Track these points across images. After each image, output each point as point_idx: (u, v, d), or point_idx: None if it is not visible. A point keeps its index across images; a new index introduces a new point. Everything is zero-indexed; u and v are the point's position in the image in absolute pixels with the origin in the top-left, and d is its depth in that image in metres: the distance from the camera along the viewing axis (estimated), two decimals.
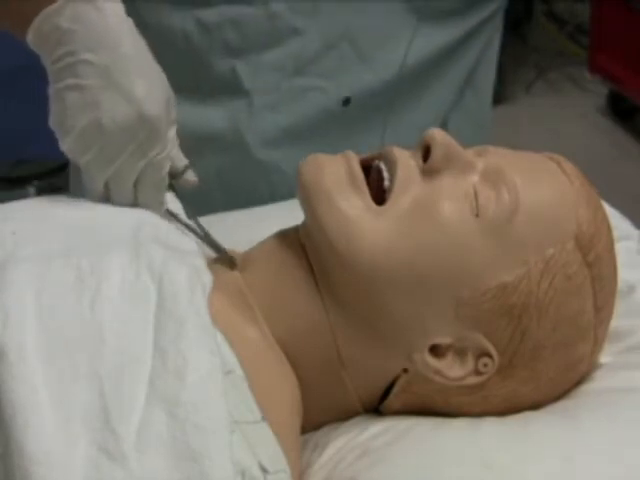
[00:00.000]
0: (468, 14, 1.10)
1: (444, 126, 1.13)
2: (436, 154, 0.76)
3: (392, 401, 0.78)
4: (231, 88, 1.05)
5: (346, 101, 1.05)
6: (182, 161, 0.82)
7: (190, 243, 0.79)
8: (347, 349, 0.76)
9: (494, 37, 1.18)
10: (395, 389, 0.77)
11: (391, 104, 1.08)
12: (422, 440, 0.75)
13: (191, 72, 1.05)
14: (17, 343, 0.65)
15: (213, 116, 1.06)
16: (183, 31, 1.04)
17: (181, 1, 1.02)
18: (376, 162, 0.79)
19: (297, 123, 1.06)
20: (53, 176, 2.37)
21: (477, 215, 0.75)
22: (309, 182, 0.76)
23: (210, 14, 1.02)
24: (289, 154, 1.06)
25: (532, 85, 2.94)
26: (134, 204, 0.79)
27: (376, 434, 0.76)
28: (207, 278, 0.74)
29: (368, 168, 0.79)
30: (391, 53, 1.06)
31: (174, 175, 0.82)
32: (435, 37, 1.08)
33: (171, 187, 0.82)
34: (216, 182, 1.05)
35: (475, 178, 0.77)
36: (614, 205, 0.95)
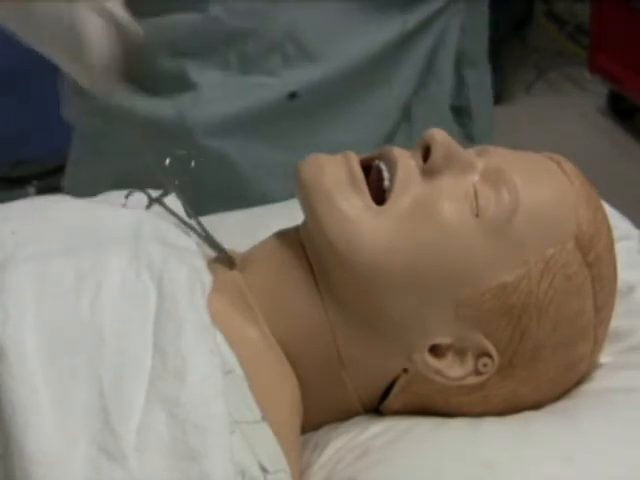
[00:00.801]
0: (420, 4, 1.10)
1: (407, 115, 1.14)
2: (436, 154, 0.76)
3: (392, 401, 0.78)
4: (179, 82, 1.08)
5: (292, 95, 1.06)
6: None
7: (190, 242, 0.79)
8: (347, 349, 0.76)
9: (451, 24, 1.17)
10: (395, 389, 0.77)
11: (346, 96, 1.09)
12: (422, 440, 0.75)
13: (139, 67, 1.09)
14: (17, 343, 0.65)
15: (162, 105, 1.09)
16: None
17: (132, 11, 1.06)
18: (376, 162, 0.79)
19: (244, 115, 1.08)
20: (53, 176, 2.38)
21: (477, 215, 0.75)
22: (309, 182, 0.76)
23: (158, 20, 1.07)
24: (237, 144, 1.09)
25: (532, 85, 2.94)
26: None
27: (376, 434, 0.76)
28: (207, 278, 0.74)
29: (368, 168, 0.79)
30: (340, 47, 1.07)
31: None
32: (386, 29, 1.09)
33: (173, 187, 0.82)
34: (166, 170, 1.07)
35: (475, 178, 0.77)
36: (614, 205, 0.95)
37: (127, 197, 0.84)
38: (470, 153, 0.78)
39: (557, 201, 0.77)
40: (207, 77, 1.07)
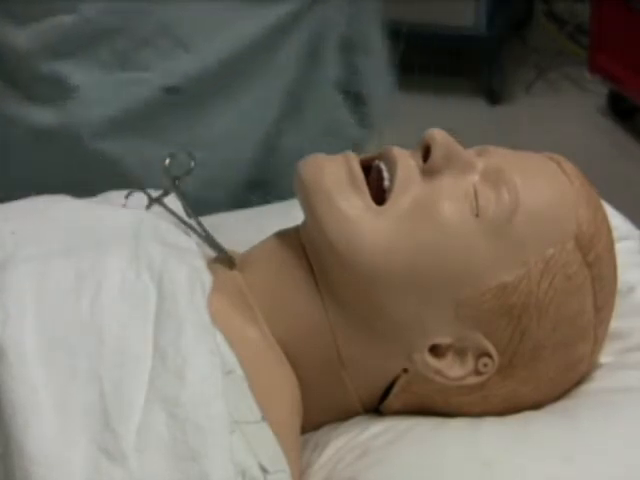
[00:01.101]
0: None
1: (297, 103, 1.15)
2: (436, 154, 0.76)
3: (392, 401, 0.78)
4: (60, 87, 1.08)
5: (171, 89, 1.08)
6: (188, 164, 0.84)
7: (190, 242, 0.79)
8: (347, 349, 0.76)
9: (333, 11, 1.16)
10: (395, 389, 0.77)
11: (227, 86, 1.10)
12: (422, 440, 0.75)
13: (21, 74, 1.10)
14: (17, 343, 0.65)
15: (47, 112, 1.09)
16: (12, 43, 1.09)
17: (9, 21, 1.08)
18: (376, 162, 0.79)
19: (125, 113, 1.09)
20: None
21: (477, 215, 0.75)
22: (309, 182, 0.76)
23: (33, 26, 1.07)
24: (122, 144, 1.09)
25: (532, 85, 2.94)
26: None
27: (376, 434, 0.76)
28: (207, 278, 0.74)
29: (368, 168, 0.79)
30: (215, 39, 1.08)
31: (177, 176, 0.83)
32: (261, 18, 1.09)
33: (173, 187, 0.83)
34: (54, 174, 1.07)
35: (475, 178, 0.77)
36: (614, 205, 0.95)
37: (127, 197, 0.84)
38: (470, 153, 0.78)
39: (557, 201, 0.77)
40: (86, 79, 1.07)
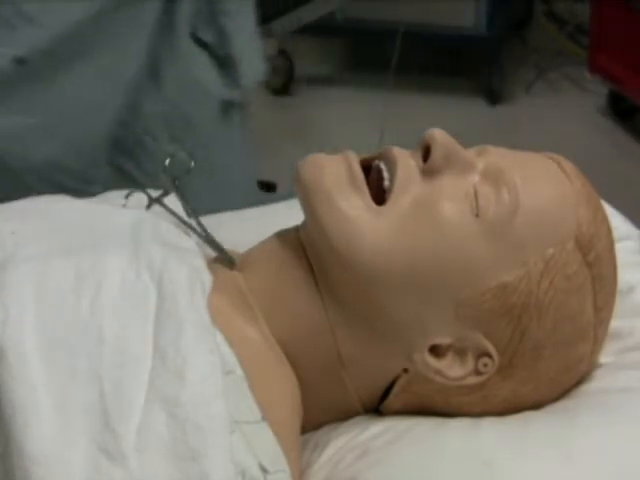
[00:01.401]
0: None
1: (156, 65, 1.16)
2: (436, 154, 0.76)
3: (392, 401, 0.78)
4: None
5: (20, 61, 1.09)
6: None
7: (189, 242, 0.79)
8: (347, 349, 0.76)
9: None
10: (395, 389, 0.77)
11: (77, 56, 1.12)
12: (422, 440, 0.75)
13: None
14: (17, 343, 0.65)
15: None
16: None
17: None
18: (376, 162, 0.79)
19: None
20: None
21: (477, 215, 0.75)
22: (309, 182, 0.76)
23: None
24: None
25: (532, 85, 2.94)
26: None
27: (376, 434, 0.76)
28: (207, 278, 0.74)
29: (368, 168, 0.79)
30: (61, 11, 1.10)
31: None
32: None
33: (173, 187, 0.83)
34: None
35: (475, 178, 0.76)
36: (614, 205, 0.95)
37: (127, 197, 0.84)
38: (470, 153, 0.78)
39: (557, 201, 0.76)
40: None
